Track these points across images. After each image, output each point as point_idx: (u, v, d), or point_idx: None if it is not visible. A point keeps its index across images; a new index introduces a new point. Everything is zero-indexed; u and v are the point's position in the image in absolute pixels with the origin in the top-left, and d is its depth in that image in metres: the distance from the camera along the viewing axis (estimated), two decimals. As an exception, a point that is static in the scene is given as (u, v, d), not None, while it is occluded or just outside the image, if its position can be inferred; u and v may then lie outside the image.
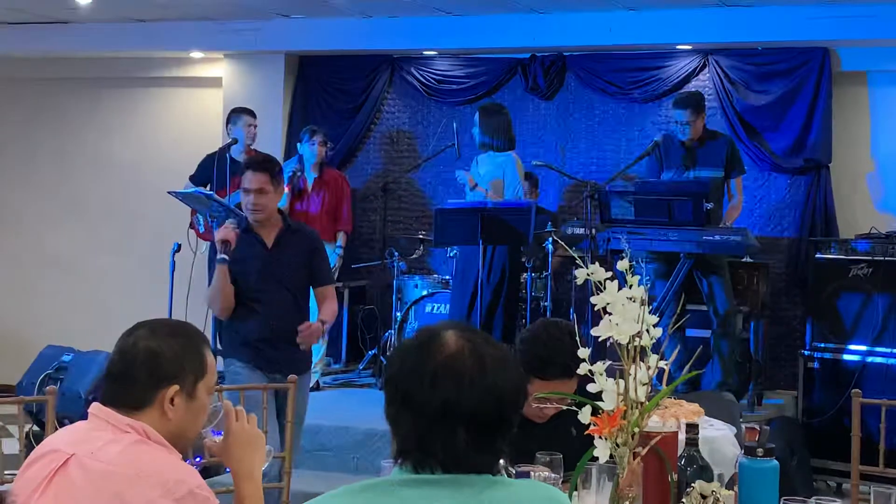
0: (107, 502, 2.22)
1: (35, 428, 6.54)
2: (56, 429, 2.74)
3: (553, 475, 2.72)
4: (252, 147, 7.67)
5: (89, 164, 9.50)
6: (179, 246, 7.13)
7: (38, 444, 2.44)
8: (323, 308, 5.01)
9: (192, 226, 7.60)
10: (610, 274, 2.56)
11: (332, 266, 7.22)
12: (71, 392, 6.64)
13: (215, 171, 7.29)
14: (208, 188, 7.52)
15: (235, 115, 7.71)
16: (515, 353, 3.18)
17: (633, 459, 2.49)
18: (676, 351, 2.72)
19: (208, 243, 7.40)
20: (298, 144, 7.41)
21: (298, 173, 7.32)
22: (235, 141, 7.45)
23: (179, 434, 2.39)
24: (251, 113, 7.73)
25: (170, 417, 2.36)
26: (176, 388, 2.36)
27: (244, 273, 4.85)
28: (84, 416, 2.43)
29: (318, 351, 7.16)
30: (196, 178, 7.63)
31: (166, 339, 2.39)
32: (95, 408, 2.38)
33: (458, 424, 1.86)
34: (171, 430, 2.36)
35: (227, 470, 2.60)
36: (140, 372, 2.36)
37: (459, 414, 1.86)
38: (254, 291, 4.85)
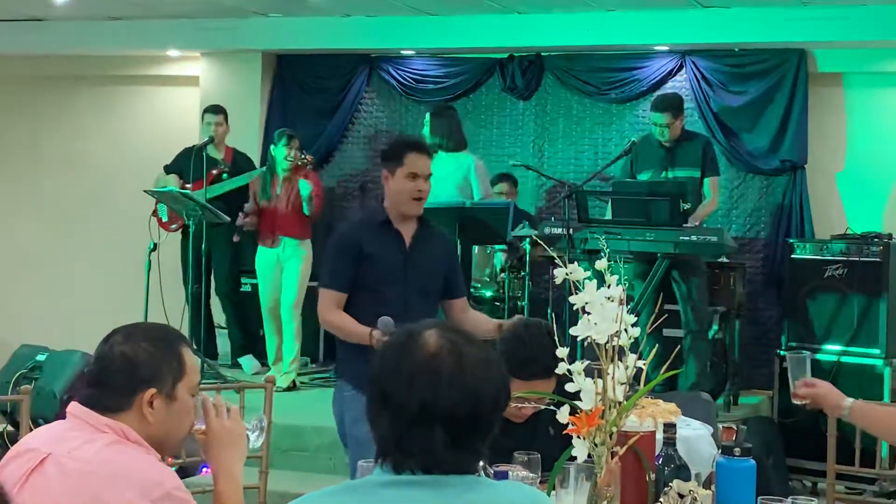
0: (83, 502, 2.21)
1: (9, 427, 6.49)
2: (31, 428, 2.72)
3: (531, 475, 2.72)
4: (221, 143, 7.67)
5: (65, 162, 9.45)
6: (156, 245, 7.10)
7: (12, 443, 2.43)
8: (481, 320, 4.33)
9: (154, 214, 7.58)
10: (588, 273, 2.57)
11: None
12: (45, 391, 6.59)
13: (192, 166, 7.27)
14: (181, 182, 7.51)
15: (203, 113, 7.73)
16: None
17: (611, 459, 2.49)
18: (654, 351, 2.73)
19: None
20: (272, 147, 7.35)
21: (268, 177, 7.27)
22: (212, 139, 7.44)
23: (163, 436, 2.37)
24: (214, 110, 7.70)
25: (150, 420, 2.34)
26: (153, 391, 2.34)
27: (378, 274, 4.16)
28: (59, 416, 2.41)
29: (292, 350, 7.14)
30: (170, 168, 7.71)
31: (141, 343, 2.37)
32: (74, 407, 2.37)
33: (435, 425, 1.84)
34: (152, 432, 2.35)
35: (203, 468, 2.59)
36: (116, 377, 2.34)
37: (437, 414, 1.85)
38: (387, 298, 4.11)
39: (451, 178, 6.84)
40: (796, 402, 3.17)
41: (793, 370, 3.21)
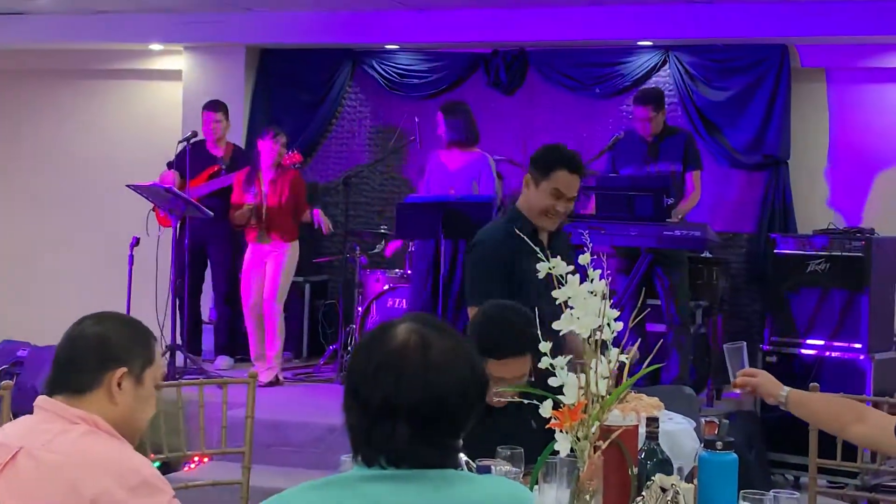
0: (60, 493, 2.21)
1: (-9, 423, 6.47)
2: (12, 424, 2.71)
3: (514, 469, 2.72)
4: (222, 139, 7.63)
5: (47, 157, 9.41)
6: (138, 240, 7.06)
7: (-8, 439, 2.41)
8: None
9: (154, 208, 7.48)
10: (571, 268, 2.57)
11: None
12: (26, 387, 6.57)
13: (188, 160, 7.20)
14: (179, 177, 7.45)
15: (203, 110, 7.68)
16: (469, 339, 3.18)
17: (594, 453, 2.49)
18: (636, 345, 2.73)
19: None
20: (259, 141, 7.31)
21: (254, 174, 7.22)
22: (195, 133, 7.39)
23: (126, 421, 2.38)
24: (212, 107, 7.64)
25: (117, 401, 2.35)
26: (124, 370, 2.36)
27: (530, 289, 3.76)
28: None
29: (275, 346, 7.11)
30: (174, 164, 7.59)
31: (115, 326, 2.41)
32: (42, 400, 2.36)
33: (398, 419, 1.83)
34: (117, 416, 2.35)
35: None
36: (88, 355, 2.36)
37: (399, 408, 1.83)
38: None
39: (465, 175, 6.83)
40: (736, 391, 3.23)
41: (730, 360, 3.28)
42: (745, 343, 3.33)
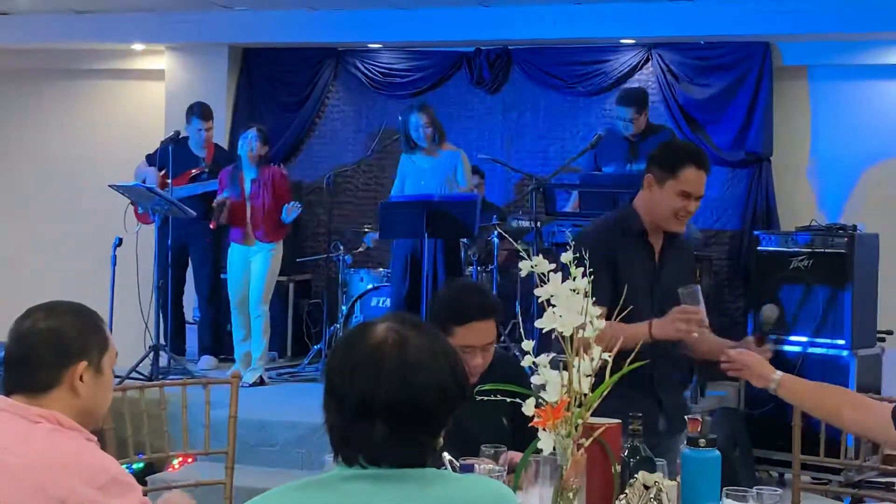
0: (28, 495, 2.18)
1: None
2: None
3: (497, 468, 2.71)
4: (208, 142, 7.60)
5: (29, 157, 9.37)
6: (121, 240, 7.03)
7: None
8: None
9: (133, 203, 7.43)
10: (553, 266, 2.57)
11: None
12: (10, 389, 6.55)
13: (172, 160, 7.15)
14: (163, 173, 7.41)
15: (189, 114, 7.61)
16: (435, 314, 3.34)
17: (577, 451, 2.49)
18: (620, 342, 2.73)
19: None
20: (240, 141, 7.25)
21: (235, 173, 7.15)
22: (178, 133, 7.35)
23: (89, 411, 2.36)
24: (203, 115, 7.57)
25: (80, 394, 2.33)
26: (84, 363, 2.34)
27: (627, 292, 3.22)
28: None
29: (260, 346, 7.09)
30: (151, 159, 7.55)
31: (66, 318, 2.36)
32: (0, 401, 2.32)
33: (375, 418, 1.83)
34: (80, 408, 2.33)
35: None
36: (45, 353, 2.32)
37: (377, 407, 1.83)
38: (632, 319, 3.08)
39: (439, 172, 6.82)
40: (725, 367, 3.22)
41: (686, 303, 3.34)
42: (699, 286, 3.31)
